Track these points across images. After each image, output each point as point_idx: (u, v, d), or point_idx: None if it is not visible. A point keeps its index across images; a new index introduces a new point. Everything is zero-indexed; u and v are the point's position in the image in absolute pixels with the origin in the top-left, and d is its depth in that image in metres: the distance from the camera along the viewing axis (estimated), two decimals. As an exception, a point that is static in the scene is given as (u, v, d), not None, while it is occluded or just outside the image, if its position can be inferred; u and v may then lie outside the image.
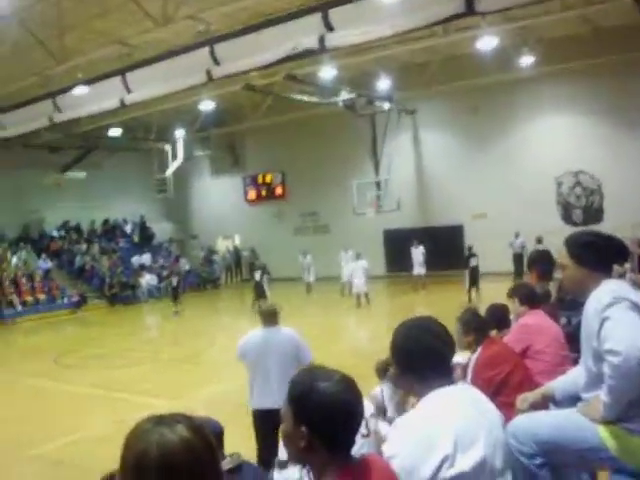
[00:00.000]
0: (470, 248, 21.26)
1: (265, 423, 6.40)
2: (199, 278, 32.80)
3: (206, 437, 1.63)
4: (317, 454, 2.08)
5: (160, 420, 1.62)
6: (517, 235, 23.89)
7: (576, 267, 3.14)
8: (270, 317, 6.80)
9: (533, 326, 5.22)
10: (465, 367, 5.02)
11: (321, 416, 2.05)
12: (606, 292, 2.90)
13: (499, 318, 5.63)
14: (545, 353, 5.06)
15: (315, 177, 31.01)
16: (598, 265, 3.08)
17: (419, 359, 2.51)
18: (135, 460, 1.56)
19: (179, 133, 29.64)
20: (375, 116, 28.20)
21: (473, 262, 20.60)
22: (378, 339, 13.62)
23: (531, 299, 5.49)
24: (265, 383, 6.50)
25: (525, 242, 23.35)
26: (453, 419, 2.39)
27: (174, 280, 23.96)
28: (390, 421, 5.30)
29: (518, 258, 23.68)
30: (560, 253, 3.25)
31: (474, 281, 20.30)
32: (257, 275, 21.52)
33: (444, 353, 2.55)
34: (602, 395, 2.81)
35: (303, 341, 6.80)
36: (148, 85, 15.82)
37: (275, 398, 5.96)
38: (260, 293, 20.81)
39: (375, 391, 6.19)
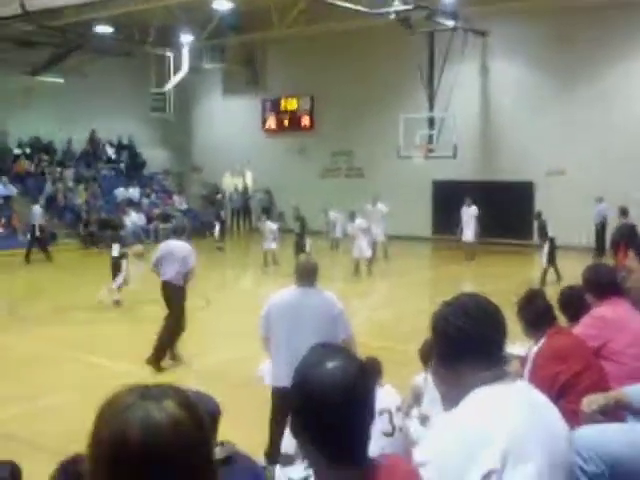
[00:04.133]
0: (540, 214, 20.63)
1: (283, 405, 6.42)
2: (198, 222, 32.88)
3: (200, 419, 1.59)
4: (312, 453, 2.05)
5: (146, 392, 1.57)
6: (600, 200, 23.56)
7: None
8: (308, 274, 6.75)
9: (612, 320, 5.09)
10: (524, 360, 5.01)
11: (310, 408, 2.02)
12: None
13: (573, 305, 5.58)
14: (625, 355, 4.98)
15: (352, 106, 30.77)
16: None
17: (459, 348, 2.50)
18: (111, 442, 1.50)
19: (185, 38, 29.42)
20: (435, 35, 27.73)
21: (551, 232, 20.18)
22: (412, 316, 13.69)
23: (600, 285, 5.26)
24: (290, 355, 6.32)
25: (607, 211, 22.97)
26: (503, 426, 2.35)
27: (222, 214, 28.16)
28: (422, 419, 5.35)
29: (599, 230, 23.47)
30: (629, 255, 3.22)
31: (553, 257, 19.78)
32: (297, 227, 22.61)
33: (492, 341, 2.53)
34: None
35: (345, 316, 6.74)
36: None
37: None
38: (302, 249, 21.23)
39: (417, 379, 6.23)
